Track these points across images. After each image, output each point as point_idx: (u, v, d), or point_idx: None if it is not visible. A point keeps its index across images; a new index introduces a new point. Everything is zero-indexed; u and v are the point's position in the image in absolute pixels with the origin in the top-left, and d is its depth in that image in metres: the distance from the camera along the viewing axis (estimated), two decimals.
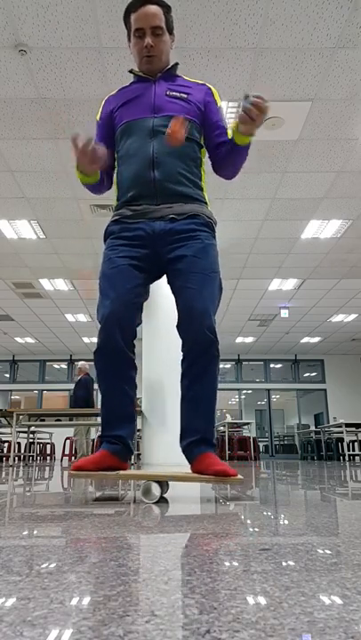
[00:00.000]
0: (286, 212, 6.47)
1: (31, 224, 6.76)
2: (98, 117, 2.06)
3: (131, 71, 2.04)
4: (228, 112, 4.50)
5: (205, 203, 1.96)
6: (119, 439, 1.83)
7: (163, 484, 1.79)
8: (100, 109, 2.06)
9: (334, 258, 7.96)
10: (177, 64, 2.05)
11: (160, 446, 6.23)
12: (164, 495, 1.89)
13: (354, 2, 3.48)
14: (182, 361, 1.86)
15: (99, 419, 7.86)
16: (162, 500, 1.75)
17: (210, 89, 2.02)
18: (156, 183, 1.84)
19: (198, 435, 1.80)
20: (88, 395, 8.36)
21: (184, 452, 1.85)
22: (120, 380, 1.86)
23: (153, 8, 1.90)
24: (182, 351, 1.86)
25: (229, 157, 1.93)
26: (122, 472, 1.80)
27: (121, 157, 1.95)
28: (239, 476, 1.70)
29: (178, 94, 1.94)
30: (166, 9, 1.94)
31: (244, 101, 1.72)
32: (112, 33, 3.69)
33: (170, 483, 2.15)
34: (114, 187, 2.03)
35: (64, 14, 3.54)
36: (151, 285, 1.98)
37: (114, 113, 1.99)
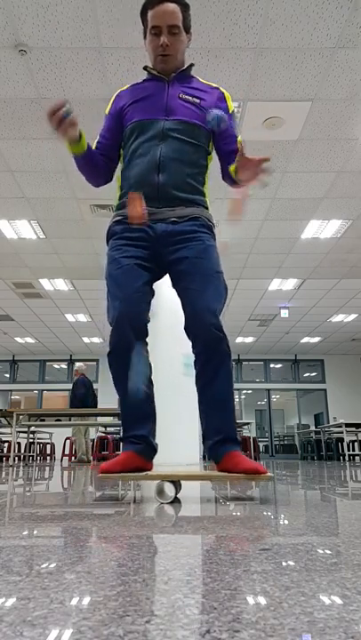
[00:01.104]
0: (286, 212, 6.46)
1: (31, 224, 6.75)
2: (107, 111, 2.03)
3: (145, 68, 2.02)
4: None
5: (206, 207, 1.96)
6: (142, 439, 1.83)
7: (176, 483, 1.79)
8: (111, 104, 2.03)
9: (334, 258, 7.96)
10: (192, 65, 2.03)
11: (162, 445, 6.22)
12: (177, 495, 1.89)
13: (354, 2, 3.48)
14: (195, 362, 1.86)
15: (98, 419, 7.91)
16: (175, 501, 1.75)
17: (223, 94, 2.01)
18: (160, 187, 1.84)
19: (222, 434, 1.80)
20: (84, 395, 8.37)
21: (210, 451, 1.86)
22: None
23: (171, 6, 1.87)
24: (193, 353, 1.86)
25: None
26: (150, 473, 1.80)
27: (127, 156, 1.93)
28: (269, 474, 1.71)
29: (191, 98, 1.93)
30: (184, 7, 1.91)
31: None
32: (112, 33, 3.68)
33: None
34: (116, 185, 2.01)
35: (64, 14, 3.54)
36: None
37: (124, 109, 1.97)
